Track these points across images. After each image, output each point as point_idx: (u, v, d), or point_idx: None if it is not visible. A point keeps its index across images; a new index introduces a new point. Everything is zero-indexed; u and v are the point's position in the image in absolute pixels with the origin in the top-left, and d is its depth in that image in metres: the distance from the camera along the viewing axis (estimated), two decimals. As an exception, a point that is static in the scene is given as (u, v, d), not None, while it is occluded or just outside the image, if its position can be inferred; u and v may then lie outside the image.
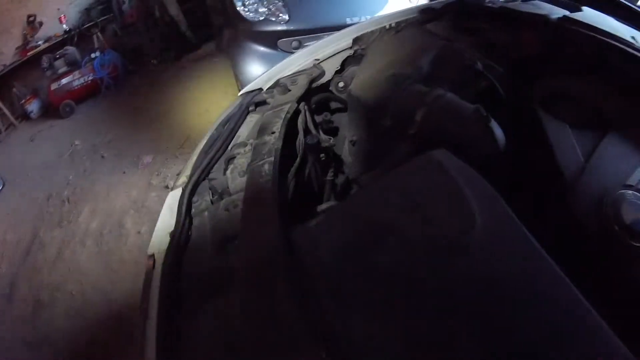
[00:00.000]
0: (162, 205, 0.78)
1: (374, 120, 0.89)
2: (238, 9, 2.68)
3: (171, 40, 5.03)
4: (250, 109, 1.11)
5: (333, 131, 1.24)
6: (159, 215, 0.76)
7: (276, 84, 1.15)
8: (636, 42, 0.99)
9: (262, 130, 0.89)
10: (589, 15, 1.15)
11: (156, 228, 0.74)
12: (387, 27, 1.27)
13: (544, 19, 1.07)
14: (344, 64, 1.24)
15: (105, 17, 4.94)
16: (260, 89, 1.17)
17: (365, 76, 1.00)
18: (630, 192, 0.60)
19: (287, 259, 0.52)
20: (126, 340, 1.68)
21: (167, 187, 2.61)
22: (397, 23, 1.27)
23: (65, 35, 4.60)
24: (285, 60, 1.32)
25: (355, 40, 1.24)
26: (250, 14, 2.68)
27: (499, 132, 0.65)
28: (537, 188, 0.71)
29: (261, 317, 0.48)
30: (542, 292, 0.43)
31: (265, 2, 2.67)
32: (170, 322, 0.56)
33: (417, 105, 0.74)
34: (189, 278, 0.62)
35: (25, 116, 4.42)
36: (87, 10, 4.99)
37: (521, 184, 0.71)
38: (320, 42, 1.34)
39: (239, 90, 3.40)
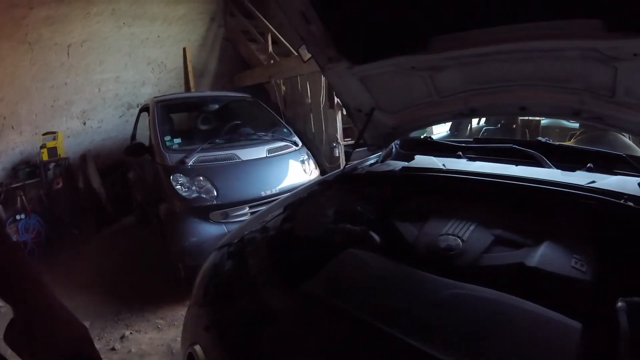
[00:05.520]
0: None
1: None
2: (176, 188, 3.23)
3: (92, 212, 5.13)
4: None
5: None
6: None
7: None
8: (445, 166, 1.88)
9: None
10: (418, 160, 2.02)
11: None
12: (303, 196, 2.02)
13: (392, 172, 1.92)
14: (283, 223, 1.89)
15: (32, 180, 4.92)
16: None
17: (302, 226, 1.65)
18: (431, 237, 1.29)
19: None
20: None
21: (113, 349, 2.64)
22: (309, 193, 2.03)
23: (-9, 190, 4.39)
24: (239, 226, 1.89)
25: (286, 207, 1.93)
26: (185, 193, 3.22)
27: (375, 236, 1.33)
28: (398, 251, 1.36)
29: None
30: (416, 285, 1.02)
31: (195, 184, 3.27)
32: None
33: (335, 233, 1.40)
34: None
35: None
36: (14, 170, 5.00)
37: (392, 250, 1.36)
38: (262, 211, 2.01)
39: (170, 256, 3.90)
